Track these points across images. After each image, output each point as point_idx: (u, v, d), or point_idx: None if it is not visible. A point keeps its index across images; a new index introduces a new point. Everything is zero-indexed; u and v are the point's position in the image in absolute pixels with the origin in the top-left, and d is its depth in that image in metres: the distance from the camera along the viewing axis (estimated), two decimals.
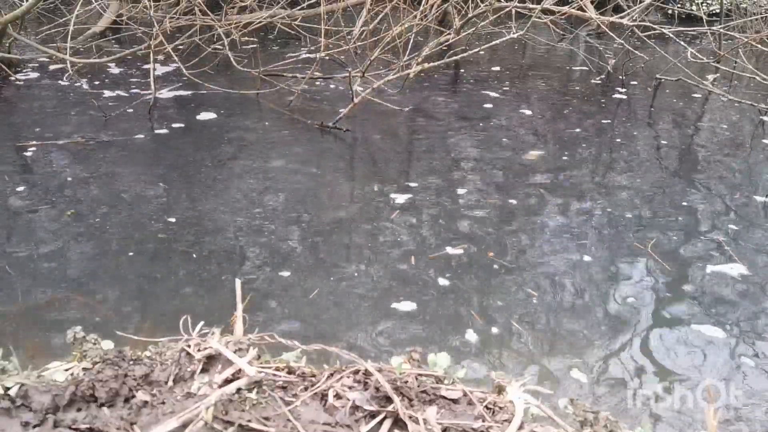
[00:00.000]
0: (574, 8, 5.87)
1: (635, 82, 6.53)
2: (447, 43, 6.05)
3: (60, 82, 5.49)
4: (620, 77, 6.37)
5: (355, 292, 2.86)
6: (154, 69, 5.19)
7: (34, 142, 4.15)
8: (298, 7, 6.53)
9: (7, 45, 5.78)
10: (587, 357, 2.53)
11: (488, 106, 5.59)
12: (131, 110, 4.99)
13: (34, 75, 5.75)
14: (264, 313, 2.69)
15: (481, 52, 6.70)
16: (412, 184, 3.97)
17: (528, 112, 5.49)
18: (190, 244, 3.18)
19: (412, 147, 4.74)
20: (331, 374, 1.29)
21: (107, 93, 5.38)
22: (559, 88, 6.36)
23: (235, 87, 5.59)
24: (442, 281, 2.95)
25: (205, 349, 1.31)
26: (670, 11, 8.33)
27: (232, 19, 6.27)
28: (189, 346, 1.32)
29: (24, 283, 2.81)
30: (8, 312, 2.62)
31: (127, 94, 5.36)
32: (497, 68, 6.87)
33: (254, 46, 6.82)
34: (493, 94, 5.97)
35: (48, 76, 5.72)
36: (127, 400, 1.21)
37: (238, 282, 1.56)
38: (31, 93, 5.34)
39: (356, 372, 1.29)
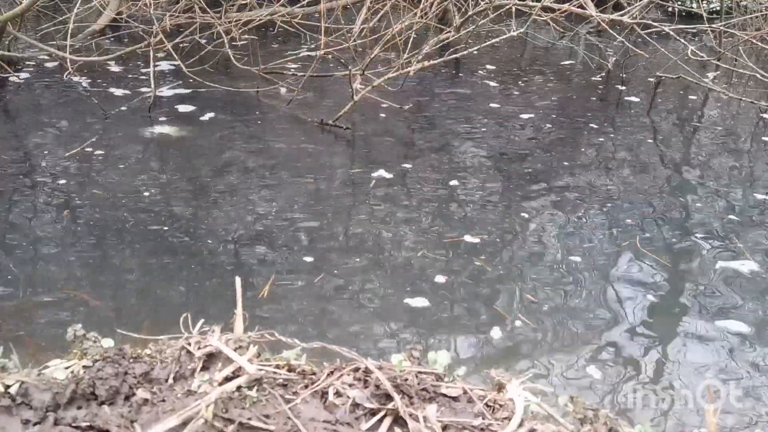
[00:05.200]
0: (574, 6, 5.85)
1: (635, 80, 6.52)
2: (447, 41, 6.03)
3: (60, 80, 5.48)
4: (620, 75, 6.36)
5: (356, 288, 2.86)
6: (154, 67, 5.18)
7: (70, 152, 4.13)
8: (299, 5, 6.51)
9: (7, 43, 5.77)
10: (589, 356, 2.53)
11: (488, 103, 5.58)
12: (131, 108, 4.98)
13: (34, 73, 5.74)
14: (265, 308, 2.69)
15: (481, 50, 6.69)
16: (413, 182, 3.97)
17: (527, 109, 5.48)
18: (190, 241, 3.18)
19: (411, 144, 4.73)
20: (332, 372, 1.29)
21: (107, 91, 5.38)
22: (558, 85, 6.35)
23: (235, 85, 5.58)
24: (440, 278, 2.95)
25: (206, 347, 1.31)
26: (670, 9, 8.30)
27: (232, 17, 6.26)
28: (189, 344, 1.33)
29: (24, 281, 2.81)
30: (9, 310, 2.62)
31: (127, 92, 5.35)
32: (497, 66, 6.86)
33: (250, 42, 6.80)
34: (492, 91, 5.97)
35: (48, 75, 5.71)
36: (127, 398, 1.21)
37: (238, 280, 1.56)
38: (31, 91, 5.33)
39: (356, 370, 1.29)
